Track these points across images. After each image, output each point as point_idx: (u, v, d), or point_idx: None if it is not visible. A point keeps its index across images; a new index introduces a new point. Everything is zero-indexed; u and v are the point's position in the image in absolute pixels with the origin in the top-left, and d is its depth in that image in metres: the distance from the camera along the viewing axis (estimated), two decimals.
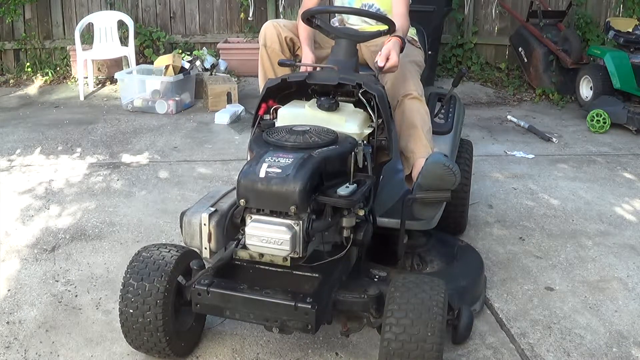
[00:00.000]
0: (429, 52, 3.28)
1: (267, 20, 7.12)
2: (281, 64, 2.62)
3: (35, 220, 3.49)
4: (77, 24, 6.44)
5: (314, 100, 2.37)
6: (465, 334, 2.35)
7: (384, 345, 1.94)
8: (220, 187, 2.43)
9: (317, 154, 2.04)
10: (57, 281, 2.86)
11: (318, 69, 2.53)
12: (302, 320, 1.95)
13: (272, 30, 2.82)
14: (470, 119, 5.51)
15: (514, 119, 5.62)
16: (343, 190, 2.03)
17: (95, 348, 2.39)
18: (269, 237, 1.96)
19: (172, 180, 4.10)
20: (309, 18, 2.59)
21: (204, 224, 2.14)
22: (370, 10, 2.89)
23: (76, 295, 2.75)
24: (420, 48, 3.01)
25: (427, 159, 2.36)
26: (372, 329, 2.18)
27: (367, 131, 2.33)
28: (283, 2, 7.11)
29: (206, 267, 2.15)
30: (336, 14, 3.00)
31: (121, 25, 6.64)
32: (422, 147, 2.61)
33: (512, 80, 6.88)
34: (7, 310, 2.63)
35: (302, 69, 2.61)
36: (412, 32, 3.04)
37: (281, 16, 7.13)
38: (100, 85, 6.72)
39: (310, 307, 1.93)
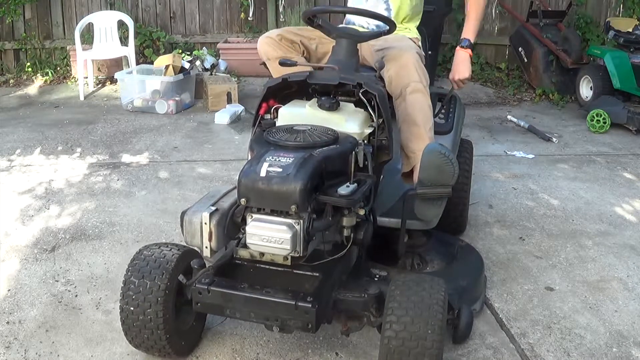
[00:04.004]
0: (429, 52, 3.28)
1: (267, 20, 7.18)
2: (282, 63, 2.62)
3: (35, 220, 3.49)
4: (77, 24, 6.44)
5: (314, 100, 2.37)
6: (465, 334, 2.35)
7: (384, 342, 1.94)
8: (221, 186, 2.43)
9: (318, 154, 2.04)
10: (57, 281, 2.86)
11: (319, 68, 2.53)
12: (303, 319, 1.95)
13: (264, 41, 2.79)
14: (470, 119, 5.51)
15: (514, 119, 5.62)
16: (344, 189, 2.02)
17: (95, 348, 2.39)
18: (269, 236, 1.96)
19: (172, 180, 4.10)
20: (310, 17, 2.59)
21: (205, 223, 2.14)
22: (380, 5, 2.90)
23: (76, 295, 2.75)
24: (422, 51, 3.01)
25: (423, 150, 2.35)
26: (372, 328, 2.18)
27: (368, 131, 2.33)
28: (283, 2, 7.12)
29: (207, 266, 2.15)
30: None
31: (121, 25, 6.64)
32: (408, 155, 2.61)
33: (512, 80, 6.89)
34: (7, 310, 2.63)
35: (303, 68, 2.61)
36: (414, 32, 3.03)
37: (281, 16, 7.15)
38: (100, 85, 6.72)
39: (310, 306, 1.93)
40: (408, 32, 2.98)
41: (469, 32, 2.97)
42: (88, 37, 6.69)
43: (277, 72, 2.66)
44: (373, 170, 2.26)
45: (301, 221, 1.95)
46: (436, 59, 6.36)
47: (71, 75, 6.95)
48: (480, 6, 3.00)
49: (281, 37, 2.77)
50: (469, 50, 2.92)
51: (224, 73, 6.43)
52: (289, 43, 2.77)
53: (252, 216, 2.00)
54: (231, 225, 2.14)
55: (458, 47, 2.94)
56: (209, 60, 6.46)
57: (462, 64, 2.92)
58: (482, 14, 3.03)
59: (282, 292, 1.99)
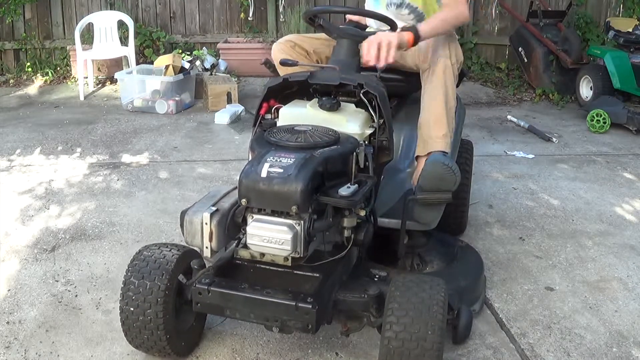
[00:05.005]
0: None
1: (267, 20, 7.19)
2: (283, 63, 2.62)
3: (35, 220, 3.49)
4: (77, 24, 6.45)
5: (315, 100, 2.37)
6: (465, 334, 2.35)
7: (384, 343, 1.94)
8: (221, 186, 2.43)
9: (319, 154, 2.03)
10: (57, 281, 2.86)
11: (319, 69, 2.53)
12: (303, 320, 1.95)
13: (276, 47, 2.80)
14: (470, 119, 5.52)
15: (514, 119, 5.62)
16: (344, 190, 2.02)
17: (95, 348, 2.39)
18: (270, 237, 1.96)
19: (172, 180, 4.10)
20: (312, 17, 2.59)
21: (205, 223, 2.14)
22: (401, 5, 2.87)
23: (76, 295, 2.75)
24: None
25: (426, 160, 2.36)
26: (372, 328, 2.18)
27: (369, 131, 2.33)
28: (283, 2, 7.12)
29: (207, 267, 2.14)
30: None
31: (121, 25, 6.65)
32: (439, 136, 2.53)
33: (512, 80, 6.89)
34: (7, 310, 2.63)
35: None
36: None
37: (281, 16, 7.15)
38: (100, 85, 6.72)
39: (310, 307, 1.93)
40: None
41: (423, 24, 2.54)
42: (88, 37, 6.70)
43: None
44: (374, 171, 2.26)
45: (302, 222, 1.95)
46: None
47: (71, 75, 6.95)
48: (449, 15, 2.59)
49: (293, 44, 2.77)
50: (410, 34, 2.44)
51: (224, 73, 6.43)
52: (300, 49, 2.77)
53: (252, 217, 2.00)
54: (232, 226, 2.14)
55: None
56: (209, 60, 6.47)
57: (392, 34, 2.44)
58: (448, 23, 2.59)
59: (282, 293, 1.99)
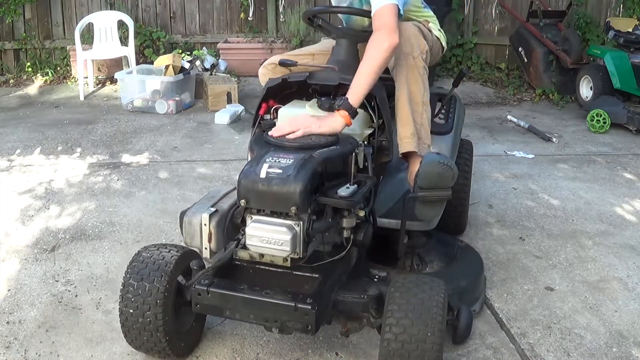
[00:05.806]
0: None
1: (267, 20, 7.19)
2: (282, 64, 2.62)
3: (35, 220, 3.49)
4: (77, 24, 6.46)
5: (314, 101, 2.37)
6: (465, 335, 2.35)
7: (383, 345, 1.94)
8: (221, 187, 2.43)
9: (318, 155, 2.04)
10: (57, 281, 2.86)
11: (318, 69, 2.53)
12: (302, 320, 1.95)
13: (261, 71, 2.78)
14: (470, 119, 5.52)
15: (514, 119, 5.62)
16: (344, 190, 2.02)
17: (95, 348, 2.39)
18: (269, 238, 1.95)
19: (172, 180, 4.10)
20: (310, 18, 2.59)
21: (205, 224, 2.14)
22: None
23: (76, 295, 2.75)
24: (431, 27, 2.75)
25: (421, 161, 2.34)
26: (372, 329, 2.18)
27: (368, 132, 2.33)
28: (283, 2, 7.12)
29: (206, 267, 2.15)
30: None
31: (121, 25, 6.65)
32: (407, 136, 2.48)
33: (512, 80, 6.89)
34: (7, 310, 2.63)
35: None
36: (422, 18, 2.82)
37: (281, 16, 7.15)
38: (100, 85, 6.72)
39: (310, 307, 1.93)
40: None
41: (350, 90, 2.24)
42: (88, 37, 6.69)
43: None
44: (373, 171, 2.26)
45: (301, 222, 1.95)
46: None
47: (71, 75, 6.95)
48: (373, 59, 2.27)
49: (274, 65, 2.73)
50: (344, 113, 2.19)
51: (224, 73, 6.43)
52: (285, 69, 2.75)
53: (251, 217, 2.00)
54: (231, 227, 2.14)
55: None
56: (209, 60, 6.47)
57: (325, 119, 2.20)
58: (375, 70, 2.25)
59: (281, 294, 1.99)
